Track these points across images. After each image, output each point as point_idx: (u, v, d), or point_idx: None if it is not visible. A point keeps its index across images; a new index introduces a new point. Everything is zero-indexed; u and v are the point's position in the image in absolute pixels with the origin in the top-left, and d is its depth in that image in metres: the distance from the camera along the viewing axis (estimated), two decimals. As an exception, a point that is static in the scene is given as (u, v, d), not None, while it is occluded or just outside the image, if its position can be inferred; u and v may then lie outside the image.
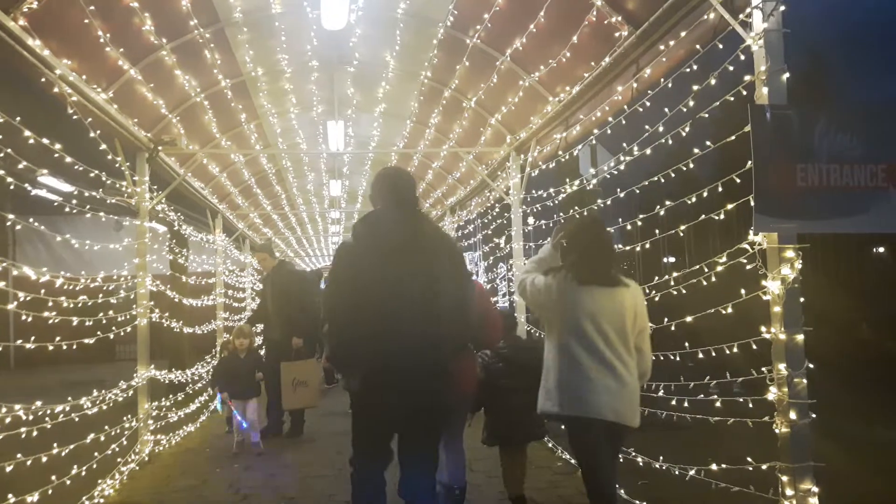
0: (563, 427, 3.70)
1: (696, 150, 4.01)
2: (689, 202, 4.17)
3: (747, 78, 3.40)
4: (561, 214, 6.58)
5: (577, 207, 6.12)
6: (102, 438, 5.74)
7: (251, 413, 7.42)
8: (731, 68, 3.64)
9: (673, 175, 4.32)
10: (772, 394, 3.35)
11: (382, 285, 3.37)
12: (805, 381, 3.27)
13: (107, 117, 6.07)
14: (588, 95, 5.72)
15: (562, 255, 3.77)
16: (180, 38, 6.29)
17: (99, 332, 6.06)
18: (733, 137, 3.67)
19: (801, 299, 3.30)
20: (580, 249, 3.64)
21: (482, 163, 9.15)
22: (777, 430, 3.34)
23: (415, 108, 8.65)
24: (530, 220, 7.54)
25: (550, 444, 6.50)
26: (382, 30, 6.79)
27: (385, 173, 3.79)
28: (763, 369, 3.40)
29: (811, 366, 3.30)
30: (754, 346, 3.58)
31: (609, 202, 5.43)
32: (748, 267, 3.41)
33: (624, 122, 5.05)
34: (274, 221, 16.27)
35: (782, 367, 3.29)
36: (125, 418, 6.42)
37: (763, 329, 3.42)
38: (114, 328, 6.31)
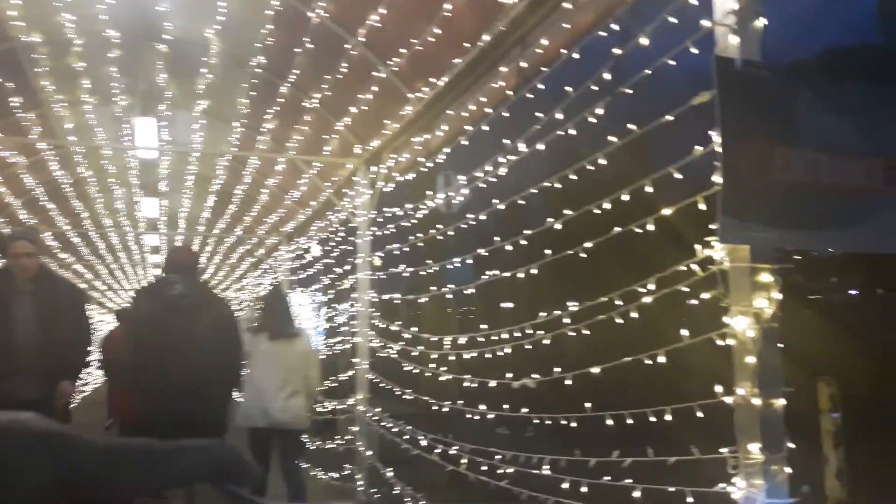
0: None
1: (612, 139, 2.92)
2: (597, 211, 3.06)
3: (706, 23, 2.36)
4: (419, 235, 5.32)
5: (440, 226, 4.91)
6: None
7: None
8: (673, 21, 2.62)
9: (576, 177, 3.22)
10: (737, 489, 2.23)
11: (160, 331, 4.36)
12: (787, 468, 2.20)
13: None
14: (460, 87, 4.58)
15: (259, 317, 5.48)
16: None
17: None
18: (671, 118, 2.63)
19: (780, 345, 2.25)
20: (266, 315, 5.36)
21: (327, 180, 7.78)
22: (745, 544, 2.22)
23: (245, 105, 7.14)
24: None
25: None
26: (201, -8, 5.32)
27: (170, 248, 5.01)
28: (723, 450, 2.28)
29: (791, 445, 2.24)
30: (699, 414, 2.47)
31: (485, 216, 4.24)
32: (706, 296, 2.32)
33: (507, 113, 3.92)
34: (75, 245, 13.66)
35: (754, 447, 2.19)
36: None
37: (718, 389, 2.33)
38: None
